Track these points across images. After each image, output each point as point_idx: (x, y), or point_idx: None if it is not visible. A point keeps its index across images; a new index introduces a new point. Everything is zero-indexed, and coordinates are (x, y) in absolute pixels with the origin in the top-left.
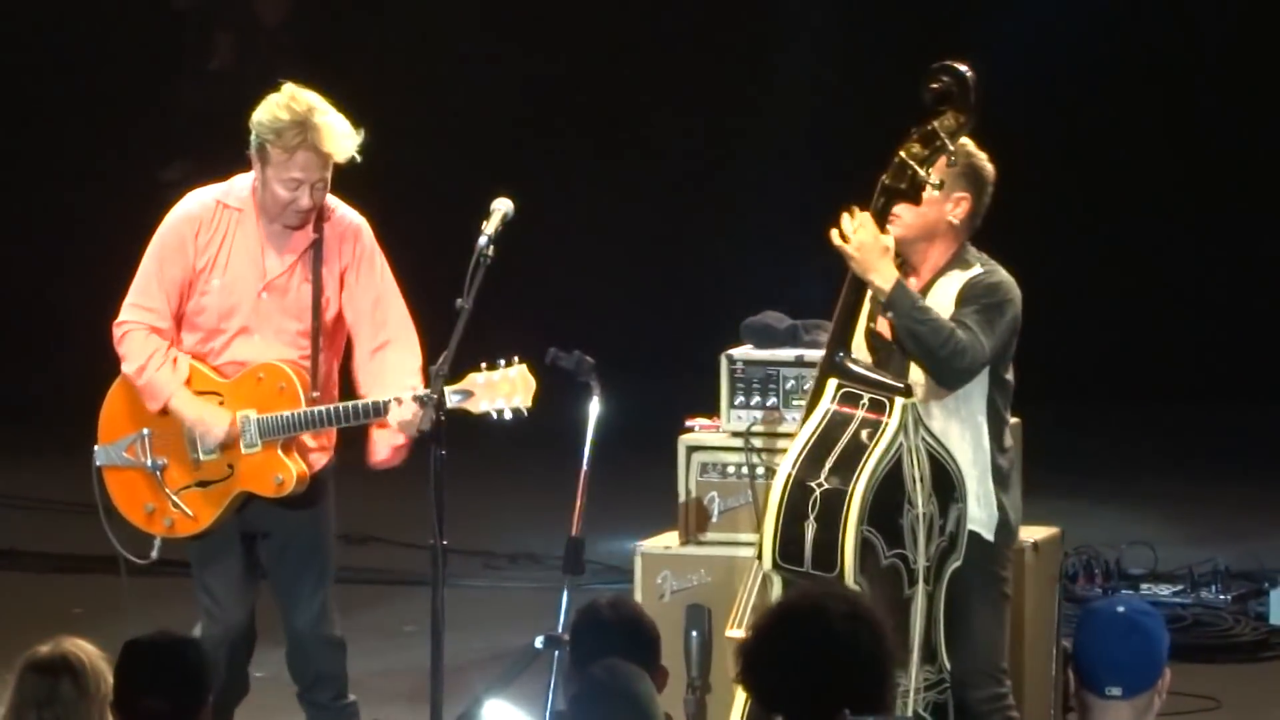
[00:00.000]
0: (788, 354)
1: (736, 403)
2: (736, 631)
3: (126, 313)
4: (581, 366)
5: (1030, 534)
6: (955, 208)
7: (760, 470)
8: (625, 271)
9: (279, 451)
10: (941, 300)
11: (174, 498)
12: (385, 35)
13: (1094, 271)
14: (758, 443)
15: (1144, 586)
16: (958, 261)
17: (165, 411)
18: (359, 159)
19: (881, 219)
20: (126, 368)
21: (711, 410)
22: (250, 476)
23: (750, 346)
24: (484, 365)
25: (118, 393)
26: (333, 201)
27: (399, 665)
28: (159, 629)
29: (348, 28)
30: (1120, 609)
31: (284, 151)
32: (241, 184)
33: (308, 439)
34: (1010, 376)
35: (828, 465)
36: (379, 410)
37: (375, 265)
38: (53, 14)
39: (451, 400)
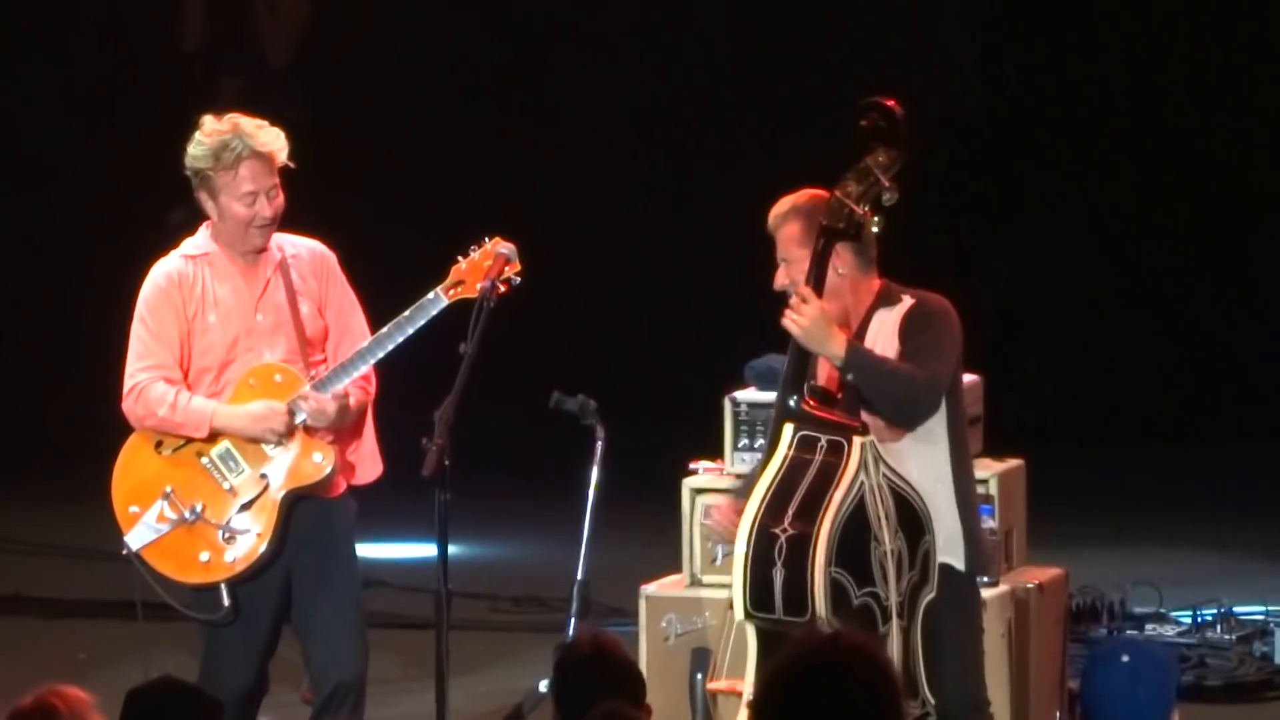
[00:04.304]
0: None
1: (740, 445)
2: (724, 684)
3: (131, 380)
4: (585, 409)
5: (1035, 575)
6: (838, 262)
7: None
8: (629, 313)
9: (303, 436)
10: (882, 336)
11: (226, 525)
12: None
13: (1099, 314)
14: None
15: (1149, 627)
16: (883, 301)
17: (213, 435)
18: (293, 166)
19: (823, 262)
20: (160, 412)
21: (715, 453)
22: (288, 474)
23: (754, 389)
24: (460, 257)
25: (121, 478)
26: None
27: (403, 711)
28: (163, 675)
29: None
30: (1125, 658)
31: (228, 170)
32: (196, 237)
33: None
34: (964, 399)
35: (790, 510)
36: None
37: (339, 280)
38: (60, 56)
39: (447, 297)
